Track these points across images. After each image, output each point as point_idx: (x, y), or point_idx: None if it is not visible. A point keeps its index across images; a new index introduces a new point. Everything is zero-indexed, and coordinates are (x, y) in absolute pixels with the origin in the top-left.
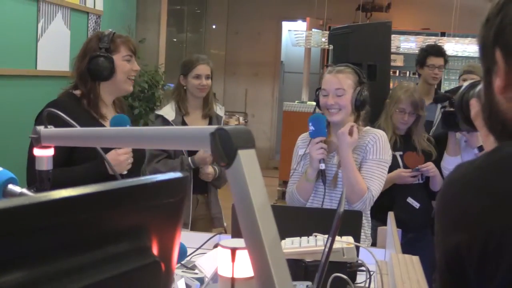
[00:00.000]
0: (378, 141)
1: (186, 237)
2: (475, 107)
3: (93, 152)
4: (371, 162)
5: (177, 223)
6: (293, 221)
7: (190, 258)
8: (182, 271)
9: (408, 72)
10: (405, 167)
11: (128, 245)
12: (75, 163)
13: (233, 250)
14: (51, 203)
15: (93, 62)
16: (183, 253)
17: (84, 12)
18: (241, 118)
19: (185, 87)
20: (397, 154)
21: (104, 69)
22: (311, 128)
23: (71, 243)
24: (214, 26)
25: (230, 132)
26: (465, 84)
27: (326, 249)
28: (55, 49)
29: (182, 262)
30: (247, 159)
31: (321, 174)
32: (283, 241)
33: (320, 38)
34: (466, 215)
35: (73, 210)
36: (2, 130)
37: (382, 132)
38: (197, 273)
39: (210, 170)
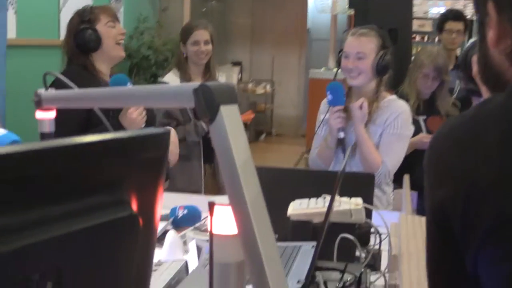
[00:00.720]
0: (400, 116)
1: (201, 201)
2: (476, 64)
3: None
4: (390, 136)
5: (157, 179)
6: (306, 183)
7: (204, 222)
8: (194, 233)
9: (437, 38)
10: (428, 132)
11: (105, 197)
12: (93, 125)
13: (212, 205)
14: (28, 153)
15: (78, 37)
16: (197, 217)
17: None
18: (267, 86)
19: (185, 55)
20: (420, 118)
21: (90, 40)
22: (329, 96)
23: (46, 194)
24: None
25: (212, 88)
26: (471, 41)
27: (331, 209)
28: None
29: (196, 225)
30: (229, 114)
31: (340, 143)
32: (291, 202)
33: (345, 4)
34: (451, 170)
35: (49, 161)
36: (26, 100)
37: (405, 105)
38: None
39: None
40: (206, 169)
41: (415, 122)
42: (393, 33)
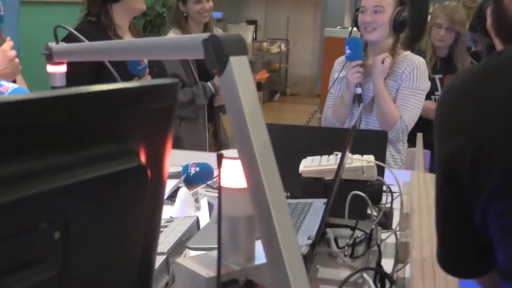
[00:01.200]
0: (416, 69)
1: (213, 159)
2: (490, 16)
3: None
4: (406, 90)
5: (166, 130)
6: (318, 140)
7: (216, 180)
8: (206, 191)
9: None
10: None
11: (113, 148)
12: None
13: (220, 157)
14: (34, 101)
15: None
16: (209, 174)
17: None
18: (282, 45)
19: (185, 14)
20: (436, 77)
21: None
22: (348, 51)
23: (53, 143)
24: None
25: (222, 39)
26: None
27: (342, 166)
28: None
29: (208, 183)
30: (238, 65)
31: (357, 99)
32: (303, 160)
33: None
34: (461, 122)
35: (56, 109)
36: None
37: (421, 59)
38: None
39: None
40: (208, 127)
41: (432, 80)
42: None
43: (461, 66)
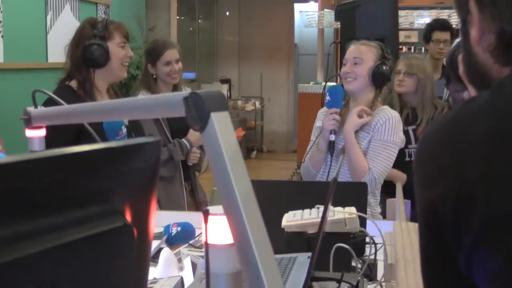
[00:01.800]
0: (388, 121)
1: (194, 218)
2: (461, 63)
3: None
4: (377, 143)
5: (150, 188)
6: (299, 195)
7: (198, 239)
8: (189, 250)
9: (423, 48)
10: (417, 142)
11: (98, 208)
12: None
13: (206, 213)
14: (16, 164)
15: (88, 50)
16: (191, 233)
17: (92, 2)
18: (257, 103)
19: (154, 75)
20: (410, 128)
21: (99, 57)
22: (328, 98)
23: (37, 205)
24: (227, 13)
25: (202, 96)
26: (457, 41)
27: (325, 219)
28: (65, 40)
29: (190, 242)
30: (220, 121)
31: (330, 146)
32: (285, 214)
33: (332, 18)
34: (439, 169)
35: (38, 172)
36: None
37: (395, 113)
38: (203, 251)
39: (197, 150)
40: (185, 187)
41: (405, 133)
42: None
43: (425, 114)
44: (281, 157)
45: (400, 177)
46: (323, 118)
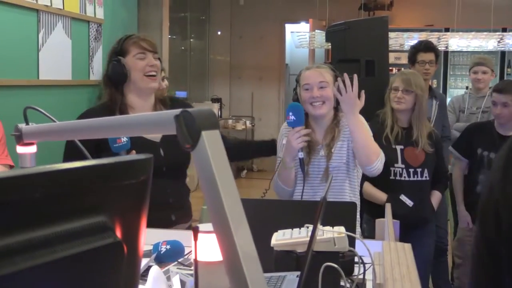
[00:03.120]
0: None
1: (183, 236)
2: None
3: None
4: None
5: (141, 205)
6: (288, 214)
7: (187, 257)
8: (178, 268)
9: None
10: (404, 162)
11: (88, 224)
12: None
13: (196, 230)
14: (8, 180)
15: (109, 69)
16: (180, 251)
17: (84, 21)
18: (247, 122)
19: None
20: (398, 148)
21: (116, 73)
22: (292, 117)
23: (28, 221)
24: (219, 32)
25: (193, 114)
26: None
27: (314, 238)
28: (57, 58)
29: (179, 260)
30: (211, 139)
31: (300, 164)
32: (275, 233)
33: (323, 38)
34: None
35: (30, 187)
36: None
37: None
38: (192, 270)
39: None
40: None
41: (393, 151)
42: (371, 65)
43: (420, 134)
44: (271, 176)
45: (381, 199)
46: (289, 137)
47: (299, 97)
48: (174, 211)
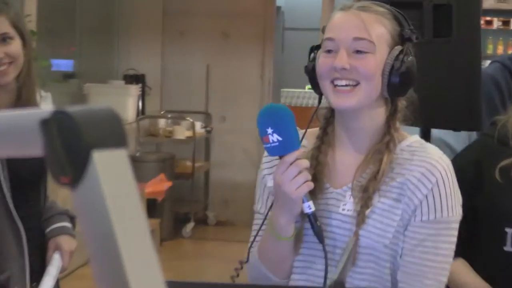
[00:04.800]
0: (440, 181)
1: None
2: None
3: None
4: (421, 229)
5: None
6: None
7: None
8: None
9: None
10: None
11: None
12: None
13: None
14: None
15: None
16: None
17: None
18: (198, 124)
19: None
20: None
21: None
22: (274, 136)
23: None
24: None
25: (77, 117)
26: None
27: None
28: None
29: None
30: (110, 167)
31: (311, 222)
32: None
33: None
34: None
35: None
36: None
37: (446, 160)
38: None
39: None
40: None
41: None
42: (444, 13)
43: None
44: (243, 234)
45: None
46: (278, 178)
47: (316, 72)
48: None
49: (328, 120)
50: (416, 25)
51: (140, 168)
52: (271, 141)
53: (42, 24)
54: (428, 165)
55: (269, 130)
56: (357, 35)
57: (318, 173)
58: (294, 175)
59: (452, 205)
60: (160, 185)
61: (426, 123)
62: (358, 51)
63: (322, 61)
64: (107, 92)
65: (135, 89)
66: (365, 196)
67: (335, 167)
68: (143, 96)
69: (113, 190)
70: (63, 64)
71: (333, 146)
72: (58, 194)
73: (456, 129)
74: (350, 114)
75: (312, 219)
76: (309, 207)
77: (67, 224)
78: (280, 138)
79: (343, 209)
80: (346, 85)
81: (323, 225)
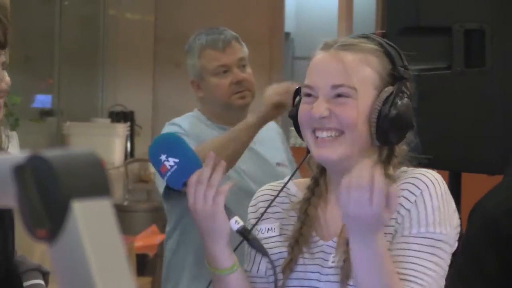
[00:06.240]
0: (428, 192)
1: None
2: None
3: None
4: (413, 242)
5: None
6: None
7: None
8: None
9: None
10: None
11: None
12: None
13: None
14: None
15: None
16: None
17: None
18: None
19: None
20: None
21: None
22: (168, 164)
23: None
24: None
25: (55, 163)
26: None
27: None
28: None
29: None
30: (92, 219)
31: (247, 240)
32: None
33: None
34: None
35: None
36: None
37: (435, 175)
38: None
39: None
40: None
41: None
42: (476, 40)
43: None
44: None
45: None
46: (189, 203)
47: (298, 120)
48: None
49: (322, 170)
50: (445, 54)
51: (128, 219)
52: (168, 167)
53: (15, 52)
54: (413, 179)
55: (163, 157)
56: (336, 82)
57: (306, 227)
58: (203, 192)
59: (439, 221)
60: (151, 238)
61: (456, 166)
62: (339, 95)
63: (302, 108)
64: (91, 132)
65: (122, 128)
66: (349, 249)
67: (325, 219)
68: (132, 136)
69: (95, 244)
70: (39, 100)
71: (325, 197)
72: (33, 249)
73: (493, 173)
74: (334, 166)
75: (244, 234)
76: (236, 222)
77: (39, 281)
78: (176, 160)
79: (333, 261)
80: (328, 133)
81: (312, 280)
